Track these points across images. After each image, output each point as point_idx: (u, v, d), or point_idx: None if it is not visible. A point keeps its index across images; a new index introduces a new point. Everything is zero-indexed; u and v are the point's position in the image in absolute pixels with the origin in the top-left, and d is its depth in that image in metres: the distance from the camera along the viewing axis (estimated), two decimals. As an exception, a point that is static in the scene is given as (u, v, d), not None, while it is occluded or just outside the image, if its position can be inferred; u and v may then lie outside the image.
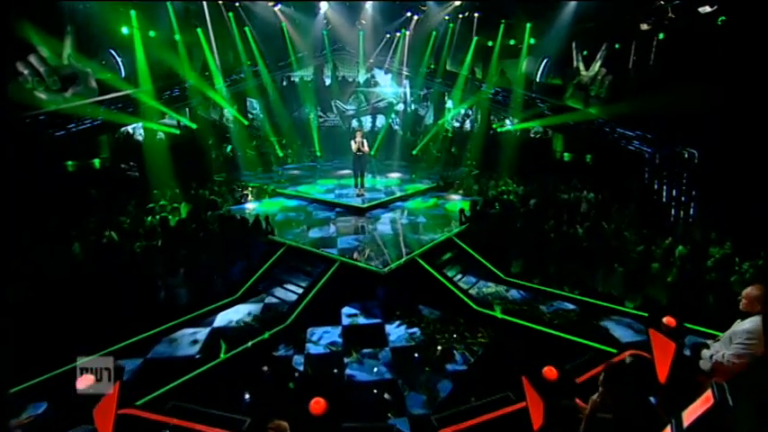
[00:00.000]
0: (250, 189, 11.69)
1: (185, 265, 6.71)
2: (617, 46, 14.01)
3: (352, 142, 10.72)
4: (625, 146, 13.29)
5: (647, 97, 11.91)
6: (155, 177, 11.24)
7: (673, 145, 11.49)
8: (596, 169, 13.46)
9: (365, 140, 10.76)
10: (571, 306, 6.68)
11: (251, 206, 10.83)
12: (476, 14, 15.01)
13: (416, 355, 5.64)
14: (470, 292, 7.08)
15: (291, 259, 7.72)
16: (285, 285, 7.19)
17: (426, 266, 7.16)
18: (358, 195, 10.98)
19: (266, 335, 5.83)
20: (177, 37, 13.77)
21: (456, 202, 11.20)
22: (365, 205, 10.12)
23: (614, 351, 4.79)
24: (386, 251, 7.64)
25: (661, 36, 12.59)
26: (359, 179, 11.06)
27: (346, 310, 6.70)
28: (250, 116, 17.66)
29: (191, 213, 8.90)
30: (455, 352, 5.67)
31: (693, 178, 10.56)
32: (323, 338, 6.01)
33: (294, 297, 6.84)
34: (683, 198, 10.73)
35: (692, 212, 10.40)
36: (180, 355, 5.54)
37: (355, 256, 7.50)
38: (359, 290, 6.97)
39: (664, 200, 10.89)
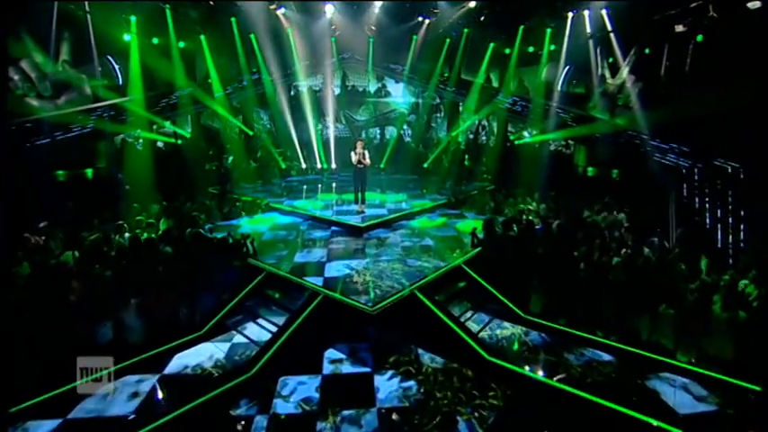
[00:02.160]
0: (241, 203, 10.68)
1: (141, 294, 5.66)
2: (647, 51, 12.74)
3: (352, 154, 9.65)
4: (659, 160, 12.03)
5: (682, 106, 10.77)
6: (139, 189, 10.36)
7: (712, 158, 10.24)
8: (625, 186, 12.12)
9: (366, 152, 9.68)
10: (607, 357, 5.37)
11: (240, 222, 9.81)
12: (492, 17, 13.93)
13: (409, 423, 4.41)
14: (481, 335, 5.82)
15: (270, 288, 6.60)
16: (259, 320, 6.05)
17: (427, 303, 5.93)
18: (358, 213, 9.87)
19: (224, 387, 4.70)
20: (181, 44, 13.44)
21: (468, 221, 9.97)
22: (364, 224, 8.98)
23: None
24: (380, 282, 6.45)
25: (699, 38, 11.30)
26: (359, 194, 9.95)
27: (330, 353, 5.53)
28: (257, 126, 16.97)
29: (166, 231, 7.91)
30: (459, 418, 4.43)
31: (740, 196, 9.24)
32: (296, 392, 4.84)
33: (268, 336, 5.70)
34: (729, 219, 9.37)
35: (741, 236, 9.04)
36: (111, 414, 4.42)
37: (342, 287, 6.31)
38: (347, 328, 5.81)
39: (708, 222, 9.51)
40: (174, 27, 12.82)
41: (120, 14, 11.83)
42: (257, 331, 5.91)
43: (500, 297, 6.36)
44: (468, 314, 6.27)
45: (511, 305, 6.26)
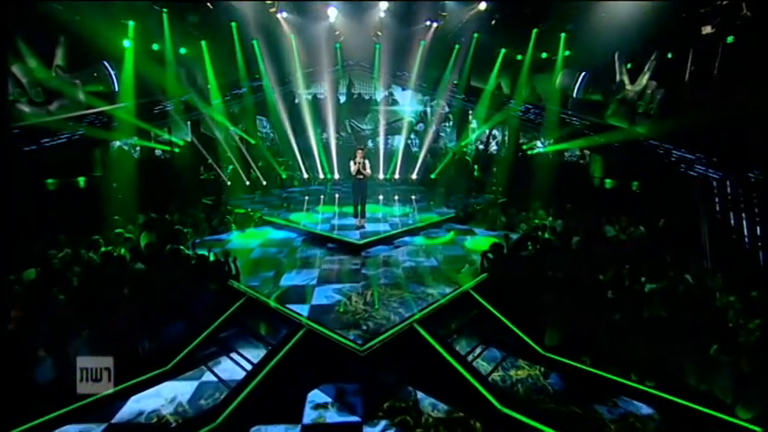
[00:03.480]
0: (233, 215, 9.94)
1: (98, 322, 4.88)
2: (669, 55, 11.82)
3: (351, 163, 8.88)
4: (684, 171, 11.14)
5: (710, 113, 9.94)
6: (128, 199, 9.70)
7: (746, 169, 9.39)
8: (646, 199, 11.23)
9: (367, 161, 8.90)
10: (647, 409, 4.44)
11: (229, 237, 9.06)
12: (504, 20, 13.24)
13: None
14: (493, 376, 4.93)
15: (249, 317, 5.78)
16: (234, 355, 5.23)
17: (428, 338, 5.06)
18: (357, 228, 9.06)
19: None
20: (182, 50, 13.06)
21: (478, 237, 9.10)
22: (362, 241, 8.15)
23: None
24: (374, 311, 5.59)
25: (730, 40, 10.45)
26: (359, 207, 9.14)
27: (314, 395, 4.68)
28: (260, 135, 16.38)
29: (145, 246, 7.18)
30: (466, 491, 3.56)
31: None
32: (269, 448, 4.02)
33: (242, 374, 4.87)
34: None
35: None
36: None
37: (330, 318, 5.46)
38: (334, 365, 4.97)
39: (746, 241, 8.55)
40: (174, 33, 12.40)
41: (116, 19, 11.38)
42: (231, 368, 5.08)
43: (514, 329, 5.45)
44: (478, 350, 5.36)
45: (527, 339, 5.35)
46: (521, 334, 5.46)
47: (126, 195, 10.05)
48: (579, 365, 4.96)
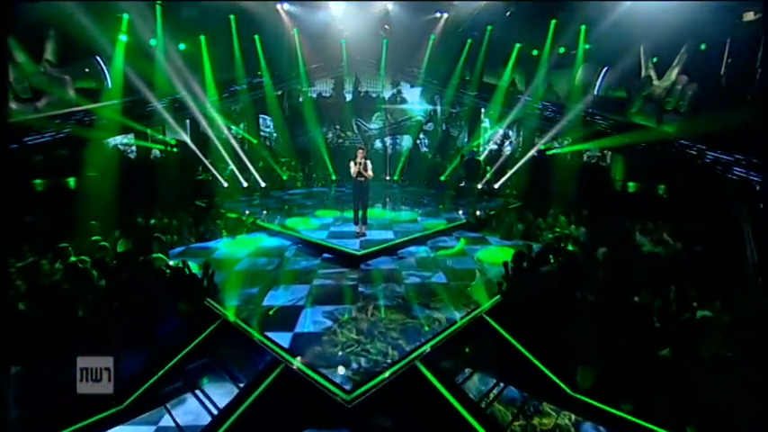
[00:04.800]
0: (223, 220, 9.16)
1: (37, 353, 4.09)
2: (702, 47, 10.97)
3: (351, 164, 8.03)
4: (721, 174, 10.18)
5: (749, 110, 9.02)
6: (109, 202, 9.00)
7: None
8: (676, 205, 10.27)
9: (369, 162, 8.04)
10: (712, 480, 3.52)
11: (217, 245, 8.27)
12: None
13: None
14: (513, 427, 4.02)
15: (223, 345, 4.94)
16: (200, 393, 4.38)
17: (432, 380, 4.15)
18: (357, 235, 8.21)
19: None
20: (182, 46, 12.56)
21: (492, 247, 8.18)
22: (362, 252, 7.26)
23: None
24: (369, 344, 4.66)
25: (775, 27, 9.43)
26: (360, 213, 8.29)
27: (294, 445, 3.85)
28: (262, 134, 15.68)
29: (118, 257, 6.42)
30: None
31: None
32: None
33: (207, 419, 4.03)
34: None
35: None
36: None
37: (316, 352, 4.53)
38: (319, 410, 4.10)
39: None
40: (170, 27, 11.87)
41: (111, 12, 10.85)
42: (195, 409, 4.22)
43: (538, 365, 4.53)
44: (494, 391, 4.43)
45: (553, 377, 4.42)
46: (545, 370, 4.53)
47: (111, 198, 9.35)
48: (619, 413, 4.02)
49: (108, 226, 8.01)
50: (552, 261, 6.26)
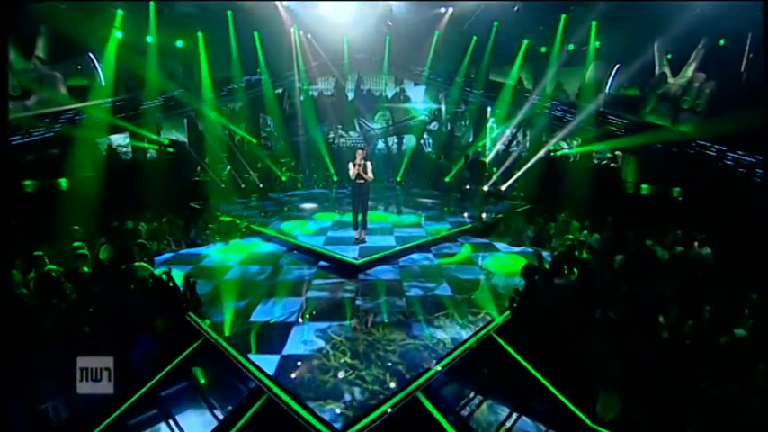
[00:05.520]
0: (216, 225, 8.69)
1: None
2: (721, 42, 10.57)
3: (351, 165, 7.53)
4: (744, 176, 9.66)
5: None
6: (92, 206, 8.57)
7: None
8: (693, 208, 9.75)
9: (368, 163, 7.54)
10: None
11: (209, 251, 7.79)
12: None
13: None
14: (527, 469, 3.53)
15: (203, 367, 4.44)
16: (174, 425, 3.90)
17: (436, 415, 3.64)
18: (356, 242, 7.72)
19: None
20: (179, 43, 12.35)
21: (500, 254, 7.66)
22: (360, 260, 6.76)
23: None
24: (364, 370, 4.14)
25: (801, 20, 8.87)
26: (359, 217, 7.79)
27: (277, 487, 3.37)
28: (263, 134, 15.36)
29: (95, 267, 5.95)
30: None
31: None
32: None
33: (181, 455, 3.58)
34: None
35: None
36: None
37: (305, 379, 4.00)
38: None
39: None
40: (167, 24, 11.53)
41: (104, 8, 10.50)
42: (168, 443, 3.78)
43: (554, 392, 4.02)
44: (507, 424, 3.92)
45: (572, 406, 3.90)
46: (561, 397, 4.01)
47: (99, 200, 8.92)
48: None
49: (93, 231, 7.57)
50: (566, 272, 5.74)
